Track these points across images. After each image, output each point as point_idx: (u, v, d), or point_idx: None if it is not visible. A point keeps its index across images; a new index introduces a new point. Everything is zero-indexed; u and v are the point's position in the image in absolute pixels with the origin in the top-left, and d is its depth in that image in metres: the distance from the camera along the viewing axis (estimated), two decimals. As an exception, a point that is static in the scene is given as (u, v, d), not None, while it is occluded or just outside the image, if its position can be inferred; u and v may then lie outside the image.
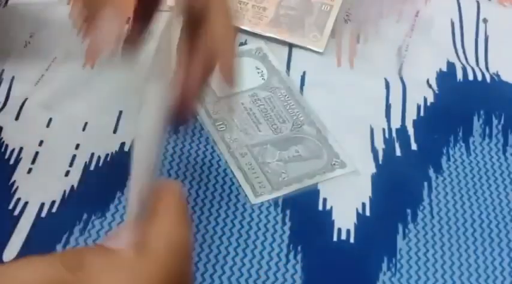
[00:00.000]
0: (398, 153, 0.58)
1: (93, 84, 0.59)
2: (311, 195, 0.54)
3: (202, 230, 0.51)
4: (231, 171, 0.54)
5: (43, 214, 0.51)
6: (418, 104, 0.61)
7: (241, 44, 0.64)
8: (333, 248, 0.51)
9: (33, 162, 0.53)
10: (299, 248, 0.51)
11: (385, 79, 0.63)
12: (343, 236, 0.52)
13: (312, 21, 0.66)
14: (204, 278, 0.48)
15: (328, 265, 0.50)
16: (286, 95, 0.60)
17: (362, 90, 0.62)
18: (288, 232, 0.52)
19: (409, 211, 0.54)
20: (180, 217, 0.33)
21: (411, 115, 0.60)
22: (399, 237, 0.52)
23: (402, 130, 0.59)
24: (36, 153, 0.54)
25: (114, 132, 0.56)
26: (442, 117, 0.60)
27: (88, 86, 0.59)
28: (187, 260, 0.33)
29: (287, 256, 0.50)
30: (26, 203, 0.51)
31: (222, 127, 0.57)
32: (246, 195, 0.53)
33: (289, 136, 0.57)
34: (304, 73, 0.63)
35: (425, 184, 0.56)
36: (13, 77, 0.59)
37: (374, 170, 0.56)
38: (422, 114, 0.61)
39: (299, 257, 0.50)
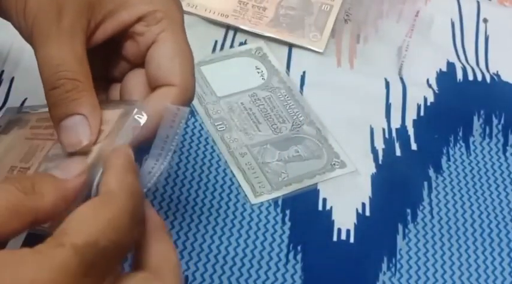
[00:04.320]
0: (398, 153, 0.58)
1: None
2: (311, 194, 0.54)
3: (202, 230, 0.51)
4: (231, 171, 0.54)
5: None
6: (418, 104, 0.61)
7: (241, 44, 0.64)
8: (332, 248, 0.51)
9: (33, 162, 0.53)
10: (299, 248, 0.51)
11: (385, 79, 0.63)
12: (343, 237, 0.52)
13: (312, 21, 0.66)
14: (203, 278, 0.48)
15: (328, 265, 0.50)
16: (286, 95, 0.60)
17: (362, 90, 0.62)
18: (287, 232, 0.52)
19: (409, 211, 0.54)
20: (129, 168, 0.34)
21: (411, 115, 0.60)
22: (399, 237, 0.52)
23: (402, 130, 0.59)
24: (36, 153, 0.54)
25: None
26: (442, 117, 0.60)
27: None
28: (141, 205, 0.34)
29: (287, 256, 0.50)
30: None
31: (221, 127, 0.57)
32: (245, 195, 0.53)
33: (289, 136, 0.57)
34: (304, 73, 0.63)
35: (425, 184, 0.56)
36: (13, 78, 0.59)
37: (374, 170, 0.56)
38: (422, 114, 0.61)
39: (299, 257, 0.50)
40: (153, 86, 0.40)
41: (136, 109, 0.37)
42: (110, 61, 0.39)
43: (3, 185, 0.31)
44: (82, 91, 0.37)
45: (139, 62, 0.41)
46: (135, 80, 0.41)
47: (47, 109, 0.39)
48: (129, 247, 0.33)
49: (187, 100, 0.40)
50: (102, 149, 0.36)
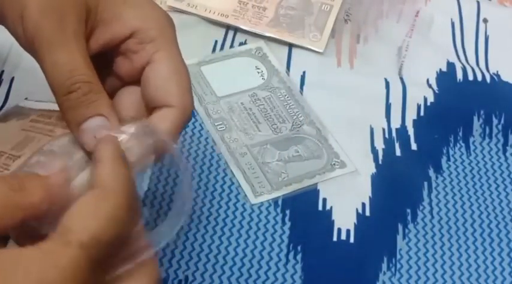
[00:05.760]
0: (398, 153, 0.58)
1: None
2: (311, 194, 0.54)
3: (202, 230, 0.51)
4: (231, 171, 0.54)
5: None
6: (418, 104, 0.61)
7: (241, 44, 0.64)
8: (332, 248, 0.51)
9: (33, 162, 0.53)
10: (299, 248, 0.51)
11: (385, 79, 0.63)
12: (343, 236, 0.52)
13: (312, 21, 0.66)
14: (203, 278, 0.48)
15: (328, 265, 0.50)
16: (286, 95, 0.60)
17: (362, 90, 0.62)
18: (287, 232, 0.52)
19: (409, 211, 0.54)
20: (120, 160, 0.35)
21: (411, 115, 0.60)
22: (399, 237, 0.52)
23: (402, 130, 0.59)
24: (36, 153, 0.54)
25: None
26: (442, 117, 0.60)
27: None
28: (135, 196, 0.35)
29: (287, 256, 0.50)
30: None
31: (221, 127, 0.57)
32: (245, 195, 0.53)
33: (289, 136, 0.57)
34: (304, 73, 0.63)
35: (425, 184, 0.56)
36: (13, 78, 0.59)
37: (374, 170, 0.56)
38: (422, 114, 0.61)
39: (299, 257, 0.50)
40: (150, 107, 0.40)
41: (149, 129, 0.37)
42: (100, 77, 0.39)
43: None
44: (98, 93, 0.37)
45: (132, 80, 0.41)
46: (130, 98, 0.41)
47: (48, 106, 0.39)
48: (126, 238, 0.33)
49: (186, 120, 0.41)
50: None
